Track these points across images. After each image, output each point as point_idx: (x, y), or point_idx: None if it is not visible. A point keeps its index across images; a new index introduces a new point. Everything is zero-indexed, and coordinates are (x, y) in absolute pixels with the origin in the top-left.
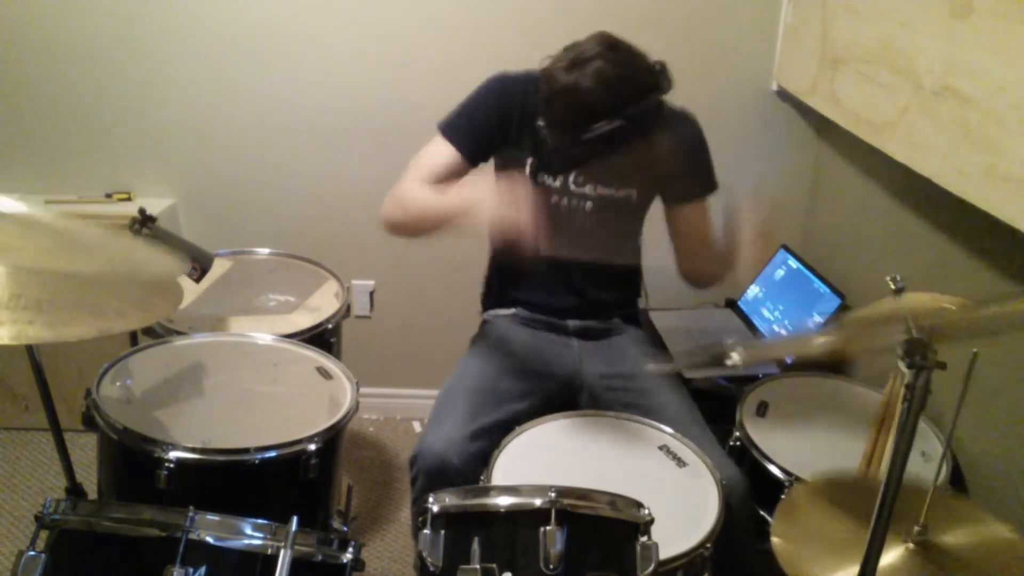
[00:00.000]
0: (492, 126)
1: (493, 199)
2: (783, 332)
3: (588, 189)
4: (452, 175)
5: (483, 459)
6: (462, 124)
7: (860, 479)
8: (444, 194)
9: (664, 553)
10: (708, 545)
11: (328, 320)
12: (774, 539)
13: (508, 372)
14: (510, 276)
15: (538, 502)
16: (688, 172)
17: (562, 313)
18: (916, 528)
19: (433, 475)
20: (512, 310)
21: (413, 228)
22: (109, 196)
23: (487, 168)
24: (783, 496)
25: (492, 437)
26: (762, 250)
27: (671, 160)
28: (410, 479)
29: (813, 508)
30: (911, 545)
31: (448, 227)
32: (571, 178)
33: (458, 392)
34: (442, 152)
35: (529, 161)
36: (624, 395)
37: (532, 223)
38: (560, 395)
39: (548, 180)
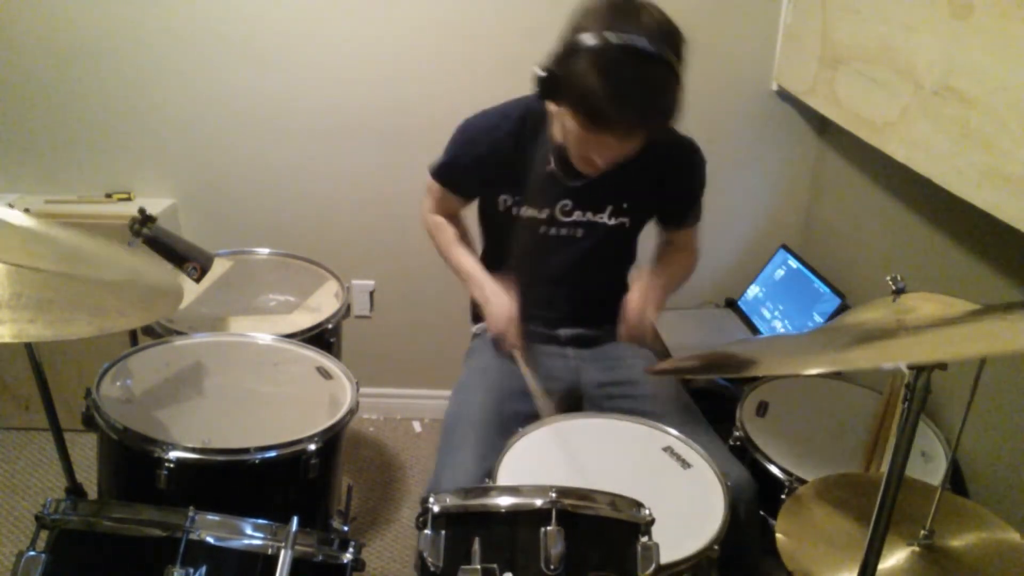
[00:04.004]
0: (471, 170)
1: (500, 320)
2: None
3: (577, 216)
4: (457, 207)
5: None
6: (446, 172)
7: (866, 479)
8: (467, 262)
9: (671, 555)
10: (715, 547)
11: (328, 320)
12: (779, 535)
13: (510, 394)
14: None
15: (539, 502)
16: (682, 201)
17: (554, 322)
18: (922, 532)
19: None
20: None
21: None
22: (109, 196)
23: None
24: (784, 496)
25: None
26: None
27: (670, 187)
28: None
29: (819, 507)
30: (917, 548)
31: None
32: (558, 208)
33: (463, 426)
34: (440, 193)
35: (502, 199)
36: (623, 401)
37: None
38: (561, 407)
39: (533, 212)
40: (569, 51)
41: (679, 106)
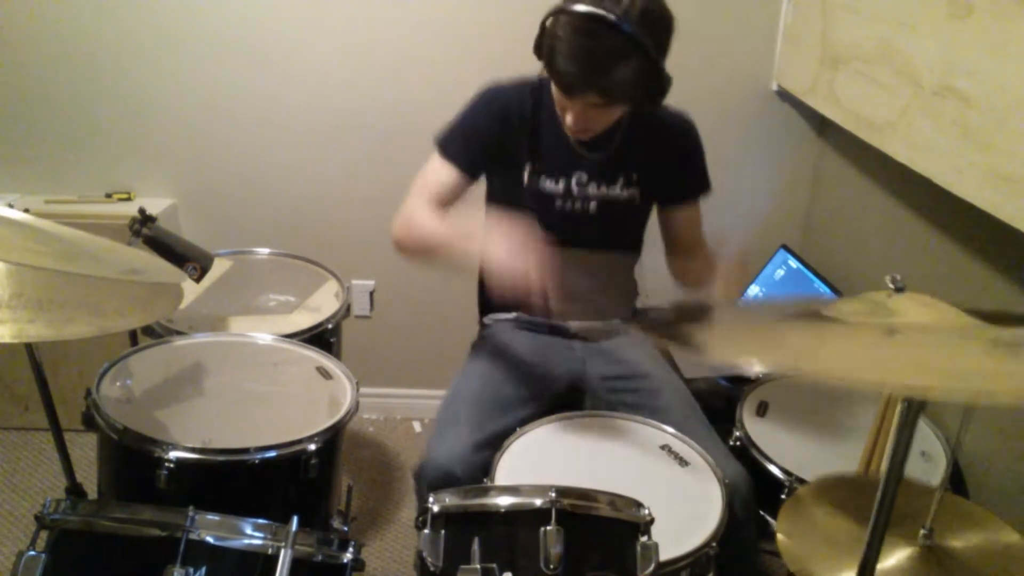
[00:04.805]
0: (490, 137)
1: (501, 250)
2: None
3: (591, 190)
4: (454, 192)
5: (488, 470)
6: (458, 139)
7: (866, 479)
8: (451, 228)
9: (669, 553)
10: (713, 544)
11: (328, 320)
12: (780, 536)
13: (511, 378)
14: None
15: (538, 502)
16: (683, 173)
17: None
18: (922, 531)
19: (438, 488)
20: (512, 315)
21: (419, 253)
22: (109, 196)
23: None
24: (784, 496)
25: (497, 447)
26: (737, 284)
27: (668, 161)
28: (415, 492)
29: (820, 507)
30: (917, 548)
31: (453, 263)
32: (574, 180)
33: (460, 402)
34: (441, 170)
35: (527, 167)
36: (627, 396)
37: (544, 285)
38: (563, 398)
39: (550, 184)
40: (549, 13)
41: (641, 81)
